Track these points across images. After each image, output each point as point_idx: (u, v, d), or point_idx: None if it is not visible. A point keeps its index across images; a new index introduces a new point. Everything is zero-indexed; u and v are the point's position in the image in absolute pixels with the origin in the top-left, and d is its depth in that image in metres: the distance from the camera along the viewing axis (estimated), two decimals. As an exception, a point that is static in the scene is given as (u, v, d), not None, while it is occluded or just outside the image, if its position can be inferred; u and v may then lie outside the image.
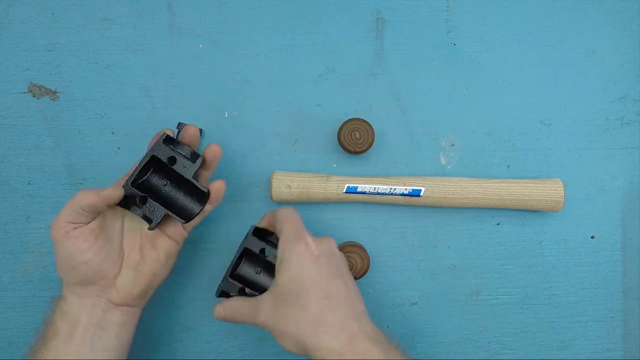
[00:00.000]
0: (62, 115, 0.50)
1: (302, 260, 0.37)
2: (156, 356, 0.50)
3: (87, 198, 0.36)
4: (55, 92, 0.50)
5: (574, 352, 0.51)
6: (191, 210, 0.41)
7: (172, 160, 0.40)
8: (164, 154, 0.40)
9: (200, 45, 0.51)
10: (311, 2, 0.51)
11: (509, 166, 0.51)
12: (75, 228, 0.37)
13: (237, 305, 0.40)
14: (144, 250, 0.41)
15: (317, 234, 0.50)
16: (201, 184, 0.40)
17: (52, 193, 0.50)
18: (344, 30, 0.51)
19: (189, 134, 0.41)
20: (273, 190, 0.48)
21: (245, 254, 0.43)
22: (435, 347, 0.51)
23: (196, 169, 0.40)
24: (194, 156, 0.40)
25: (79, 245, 0.37)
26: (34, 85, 0.50)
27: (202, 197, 0.41)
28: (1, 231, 0.50)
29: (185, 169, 0.40)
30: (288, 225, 0.39)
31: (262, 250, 0.43)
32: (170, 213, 0.39)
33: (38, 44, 0.50)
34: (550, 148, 0.51)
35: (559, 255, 0.51)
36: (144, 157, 0.40)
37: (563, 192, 0.47)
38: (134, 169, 0.40)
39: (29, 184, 0.50)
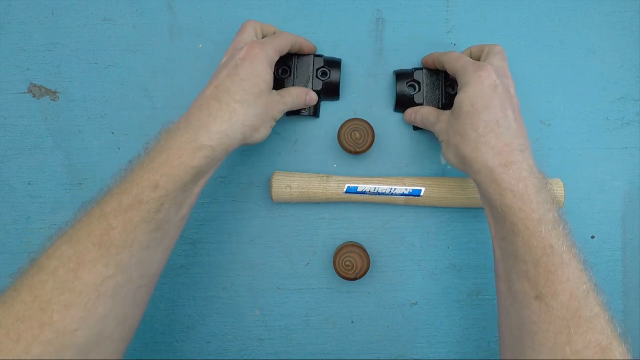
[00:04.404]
0: (62, 115, 0.50)
1: (481, 84, 0.38)
2: (156, 356, 0.50)
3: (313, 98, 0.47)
4: (55, 92, 0.50)
5: (574, 352, 0.51)
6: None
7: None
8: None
9: (200, 45, 0.51)
10: (311, 2, 0.51)
11: (509, 166, 0.51)
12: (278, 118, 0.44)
13: (426, 112, 0.46)
14: None
15: (317, 234, 0.51)
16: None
17: (52, 193, 0.50)
18: (344, 30, 0.51)
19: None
20: (273, 190, 0.48)
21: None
22: (435, 347, 0.51)
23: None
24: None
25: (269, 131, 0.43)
26: (34, 85, 0.50)
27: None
28: (1, 231, 0.50)
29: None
30: (466, 59, 0.42)
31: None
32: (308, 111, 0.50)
33: (38, 44, 0.50)
34: (550, 148, 0.51)
35: (559, 255, 0.51)
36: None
37: (563, 192, 0.47)
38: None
39: (29, 184, 0.50)
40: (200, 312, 0.51)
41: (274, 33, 0.46)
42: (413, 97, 0.49)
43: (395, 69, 0.50)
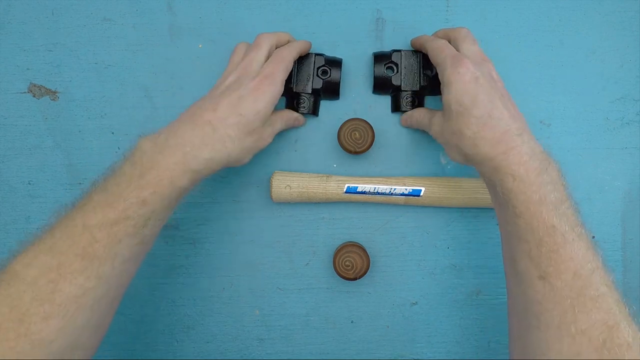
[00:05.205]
0: (62, 115, 0.50)
1: (462, 81, 0.38)
2: (156, 356, 0.50)
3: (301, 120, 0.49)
4: (55, 92, 0.50)
5: (574, 352, 0.51)
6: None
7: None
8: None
9: (200, 45, 0.51)
10: (311, 2, 0.51)
11: (509, 166, 0.51)
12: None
13: (418, 115, 0.47)
14: None
15: (317, 234, 0.51)
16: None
17: (52, 193, 0.50)
18: (344, 30, 0.51)
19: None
20: (273, 190, 0.48)
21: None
22: (435, 347, 0.51)
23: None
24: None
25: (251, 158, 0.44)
26: (34, 85, 0.50)
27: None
28: (1, 231, 0.50)
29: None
30: (447, 51, 0.41)
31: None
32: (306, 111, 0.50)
33: (38, 44, 0.50)
34: (550, 148, 0.51)
35: (559, 255, 0.51)
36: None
37: (563, 192, 0.47)
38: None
39: (29, 184, 0.50)
40: (200, 312, 0.51)
41: (288, 41, 0.47)
42: (391, 79, 0.49)
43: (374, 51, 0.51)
